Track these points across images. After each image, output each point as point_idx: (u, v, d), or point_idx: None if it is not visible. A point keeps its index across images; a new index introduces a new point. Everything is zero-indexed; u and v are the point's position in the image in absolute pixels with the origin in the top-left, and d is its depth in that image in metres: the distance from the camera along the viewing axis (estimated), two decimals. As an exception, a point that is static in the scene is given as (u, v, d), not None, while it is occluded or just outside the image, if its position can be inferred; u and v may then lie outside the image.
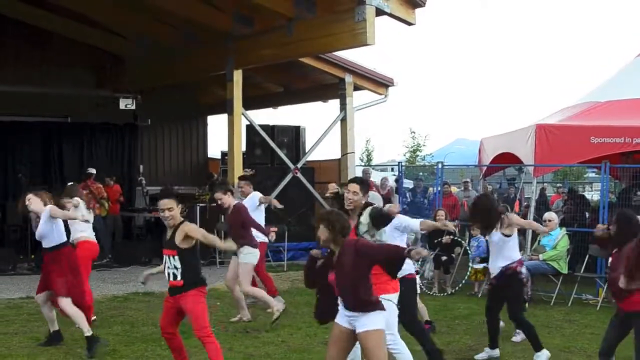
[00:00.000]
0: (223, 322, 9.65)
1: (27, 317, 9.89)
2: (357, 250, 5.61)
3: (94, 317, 9.34)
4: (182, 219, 6.65)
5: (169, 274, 6.60)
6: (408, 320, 7.34)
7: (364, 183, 6.84)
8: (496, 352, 8.18)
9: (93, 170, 15.97)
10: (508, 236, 8.06)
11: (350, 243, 5.68)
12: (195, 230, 6.59)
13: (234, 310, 10.38)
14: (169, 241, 6.59)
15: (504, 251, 8.08)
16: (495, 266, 8.16)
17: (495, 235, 8.09)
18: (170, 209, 6.54)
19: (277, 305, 9.50)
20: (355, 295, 5.59)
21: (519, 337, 9.03)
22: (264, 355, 8.09)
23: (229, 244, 7.11)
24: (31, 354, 7.93)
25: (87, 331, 8.01)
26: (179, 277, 6.53)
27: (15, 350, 8.17)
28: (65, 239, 8.37)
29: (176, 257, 6.52)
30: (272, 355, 8.09)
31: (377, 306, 5.65)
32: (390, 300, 6.45)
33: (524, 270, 8.12)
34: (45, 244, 8.19)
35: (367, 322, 5.57)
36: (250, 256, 9.66)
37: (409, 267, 7.18)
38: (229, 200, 9.76)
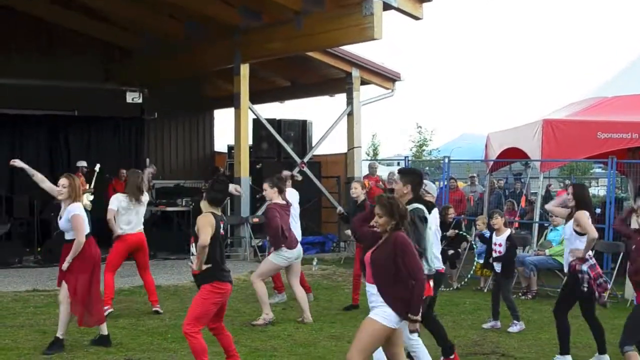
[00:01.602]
0: (229, 317, 9.66)
1: (33, 310, 9.91)
2: (395, 243, 5.57)
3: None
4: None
5: (191, 260, 6.74)
6: (426, 316, 6.75)
7: (409, 173, 6.56)
8: (568, 358, 7.66)
9: (83, 163, 15.83)
10: (581, 234, 7.58)
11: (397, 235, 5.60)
12: (200, 227, 6.56)
13: (241, 304, 10.40)
14: (193, 228, 6.74)
15: (572, 245, 7.67)
16: (565, 260, 7.91)
17: (567, 228, 7.76)
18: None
19: (268, 316, 9.30)
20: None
21: (515, 327, 9.04)
22: (270, 349, 8.10)
23: None
24: (37, 346, 7.94)
25: (61, 334, 7.80)
26: (194, 267, 6.63)
27: (21, 343, 8.19)
28: None
29: (193, 245, 6.65)
30: (278, 349, 8.10)
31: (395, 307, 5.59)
32: None
33: (584, 268, 7.50)
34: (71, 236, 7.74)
35: (378, 311, 5.60)
36: (280, 258, 9.42)
37: (439, 261, 6.96)
38: (271, 195, 9.47)
